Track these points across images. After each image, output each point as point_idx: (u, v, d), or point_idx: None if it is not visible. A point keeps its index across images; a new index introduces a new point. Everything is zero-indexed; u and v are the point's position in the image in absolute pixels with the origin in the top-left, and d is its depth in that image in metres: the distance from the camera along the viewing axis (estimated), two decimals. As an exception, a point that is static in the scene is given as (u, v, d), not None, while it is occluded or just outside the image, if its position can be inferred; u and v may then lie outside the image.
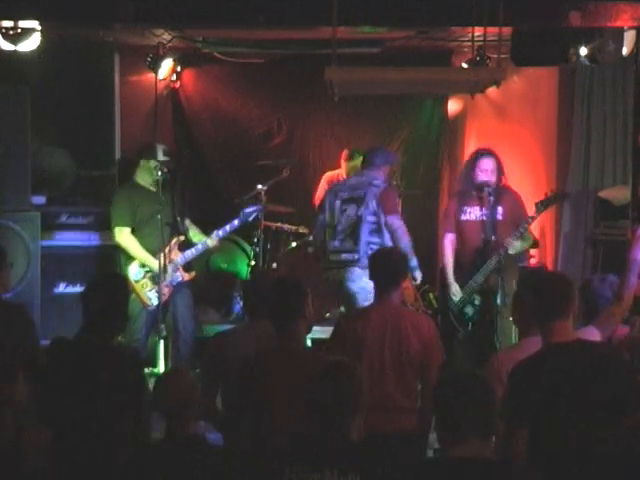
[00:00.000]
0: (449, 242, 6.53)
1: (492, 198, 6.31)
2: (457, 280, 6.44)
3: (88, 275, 6.86)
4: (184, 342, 6.65)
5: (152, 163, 6.58)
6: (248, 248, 8.03)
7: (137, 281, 6.50)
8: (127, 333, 6.55)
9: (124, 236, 6.54)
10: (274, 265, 7.79)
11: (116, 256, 6.90)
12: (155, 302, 6.48)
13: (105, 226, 7.23)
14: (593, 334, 4.41)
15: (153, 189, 6.57)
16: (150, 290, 6.50)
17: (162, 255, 6.29)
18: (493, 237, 6.28)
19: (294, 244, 7.88)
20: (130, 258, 6.55)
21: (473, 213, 6.42)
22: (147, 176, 6.63)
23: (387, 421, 4.32)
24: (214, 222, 7.16)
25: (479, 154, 6.54)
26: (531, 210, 6.36)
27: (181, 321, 6.63)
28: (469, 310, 6.39)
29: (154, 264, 6.43)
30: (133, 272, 6.51)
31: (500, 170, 6.45)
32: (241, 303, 7.66)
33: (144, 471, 3.54)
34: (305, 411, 3.40)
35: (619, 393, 3.59)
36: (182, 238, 6.67)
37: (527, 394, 3.54)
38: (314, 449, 3.29)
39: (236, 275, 8.21)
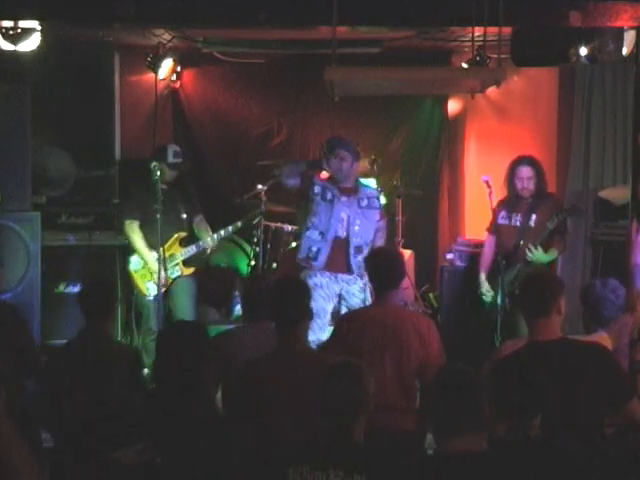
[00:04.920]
0: (488, 243, 6.74)
1: (529, 202, 6.55)
2: (487, 278, 6.65)
3: (88, 275, 6.92)
4: None
5: (163, 166, 6.56)
6: (248, 248, 8.03)
7: (136, 271, 6.66)
8: (139, 325, 6.74)
9: (130, 229, 6.67)
10: (274, 265, 7.79)
11: (116, 256, 7.00)
12: (153, 293, 6.54)
13: (105, 226, 7.28)
14: (604, 339, 4.43)
15: (165, 187, 6.59)
16: (149, 281, 6.60)
17: (161, 251, 6.31)
18: (522, 242, 6.47)
19: (294, 244, 7.88)
20: (133, 250, 6.71)
21: (509, 218, 6.65)
22: (159, 177, 6.56)
23: (386, 421, 4.31)
24: (214, 222, 7.18)
25: (516, 162, 6.69)
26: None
27: (183, 312, 6.70)
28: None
29: (149, 257, 6.54)
30: (133, 262, 6.68)
31: (541, 177, 6.64)
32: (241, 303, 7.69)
33: None
34: (311, 411, 3.39)
35: (604, 389, 3.62)
36: (183, 234, 6.77)
37: (507, 390, 3.56)
38: (320, 449, 3.29)
39: (236, 271, 8.20)
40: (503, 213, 6.67)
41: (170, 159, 6.73)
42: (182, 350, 3.73)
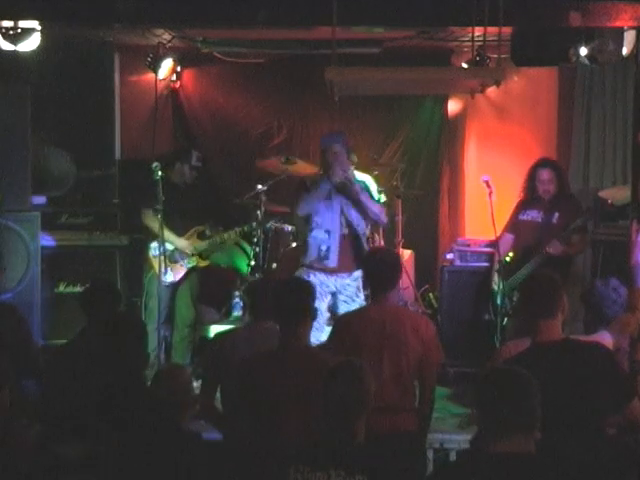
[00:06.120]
0: (505, 241, 6.75)
1: (551, 201, 6.63)
2: (506, 273, 6.66)
3: (88, 275, 6.93)
4: (180, 328, 7.07)
5: (185, 167, 7.09)
6: (248, 248, 8.02)
7: (155, 257, 6.83)
8: (147, 310, 6.86)
9: (148, 217, 6.82)
10: (274, 265, 7.79)
11: (116, 256, 7.16)
12: (167, 279, 6.82)
13: (105, 226, 7.29)
14: (605, 339, 4.42)
15: (183, 187, 7.09)
16: (167, 267, 6.79)
17: (160, 246, 6.51)
18: (543, 238, 6.52)
19: (294, 244, 7.87)
20: (154, 237, 6.83)
21: (531, 215, 6.71)
22: (180, 177, 7.09)
23: (386, 421, 4.31)
24: (213, 222, 7.22)
25: (537, 165, 6.73)
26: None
27: (182, 307, 7.01)
28: (506, 303, 6.54)
29: (179, 242, 6.95)
30: (153, 247, 6.86)
31: (562, 179, 6.70)
32: (241, 303, 7.68)
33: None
34: (312, 411, 3.39)
35: (606, 390, 3.61)
36: (202, 229, 7.13)
37: None
38: (321, 449, 3.30)
39: (236, 271, 8.22)
40: (524, 211, 6.75)
41: (194, 162, 7.14)
42: None
